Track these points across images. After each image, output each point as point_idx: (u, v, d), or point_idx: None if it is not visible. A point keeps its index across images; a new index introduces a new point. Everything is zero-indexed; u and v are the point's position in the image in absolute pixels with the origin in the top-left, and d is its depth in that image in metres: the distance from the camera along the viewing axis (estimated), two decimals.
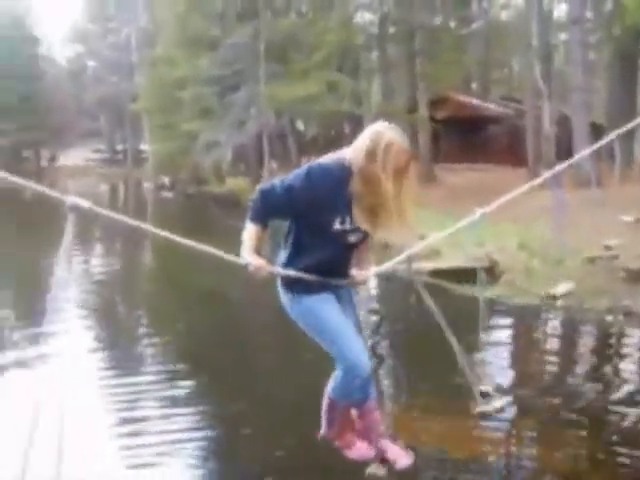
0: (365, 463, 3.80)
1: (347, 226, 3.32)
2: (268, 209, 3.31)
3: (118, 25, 50.24)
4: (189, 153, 28.46)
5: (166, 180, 36.27)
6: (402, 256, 3.88)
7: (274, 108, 24.49)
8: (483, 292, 4.91)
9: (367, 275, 3.69)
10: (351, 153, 3.32)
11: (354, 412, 3.68)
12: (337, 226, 3.30)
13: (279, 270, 3.39)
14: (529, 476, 4.35)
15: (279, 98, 23.03)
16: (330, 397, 3.56)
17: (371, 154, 3.23)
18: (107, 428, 5.23)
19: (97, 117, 54.53)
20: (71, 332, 8.01)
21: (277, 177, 3.43)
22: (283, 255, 3.48)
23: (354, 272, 3.59)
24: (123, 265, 13.88)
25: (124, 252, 15.18)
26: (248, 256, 3.25)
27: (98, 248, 15.53)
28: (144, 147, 47.17)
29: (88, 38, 52.56)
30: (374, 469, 3.93)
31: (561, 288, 8.83)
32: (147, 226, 3.20)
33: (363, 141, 3.30)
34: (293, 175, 3.31)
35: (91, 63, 54.93)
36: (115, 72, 49.24)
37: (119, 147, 55.42)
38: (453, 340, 4.07)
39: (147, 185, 37.72)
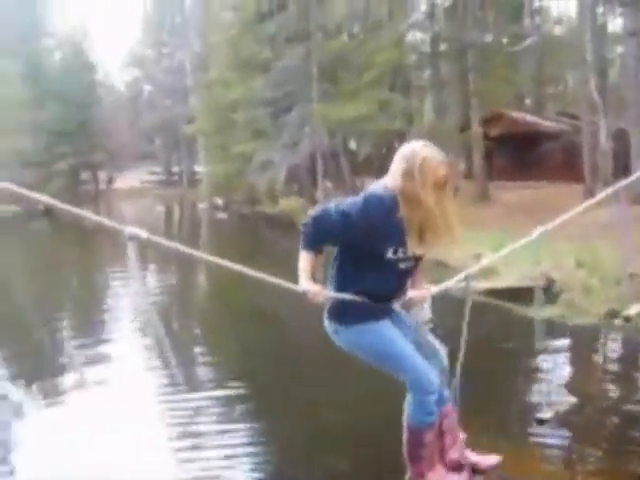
0: None
1: (400, 255, 3.33)
2: (322, 234, 3.33)
3: (172, 50, 51.22)
4: (243, 174, 28.79)
5: (220, 201, 36.66)
6: (460, 275, 3.87)
7: (327, 128, 24.62)
8: (539, 312, 4.84)
9: (425, 295, 3.67)
10: (390, 179, 3.33)
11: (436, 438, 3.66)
12: (390, 255, 3.31)
13: (336, 295, 3.41)
14: None
15: (331, 118, 23.16)
16: (412, 427, 3.55)
17: (408, 174, 3.25)
18: (164, 442, 5.35)
19: (153, 140, 55.53)
20: (127, 349, 8.24)
21: (328, 201, 3.44)
22: (332, 284, 3.48)
23: (411, 293, 3.58)
24: (179, 284, 14.08)
25: (180, 271, 15.34)
26: (305, 283, 3.28)
27: (154, 267, 15.76)
28: (199, 169, 47.81)
29: (144, 63, 53.72)
30: None
31: (635, 308, 8.61)
32: (203, 255, 3.23)
33: (398, 163, 3.32)
34: (348, 203, 3.32)
35: (147, 87, 56.05)
36: (170, 96, 50.20)
37: (174, 169, 56.24)
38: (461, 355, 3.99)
39: (202, 206, 38.18)
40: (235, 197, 34.41)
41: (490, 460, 3.78)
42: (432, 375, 3.45)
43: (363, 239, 3.29)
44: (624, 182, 5.02)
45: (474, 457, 3.77)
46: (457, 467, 3.66)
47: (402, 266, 3.38)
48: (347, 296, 3.39)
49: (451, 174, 3.35)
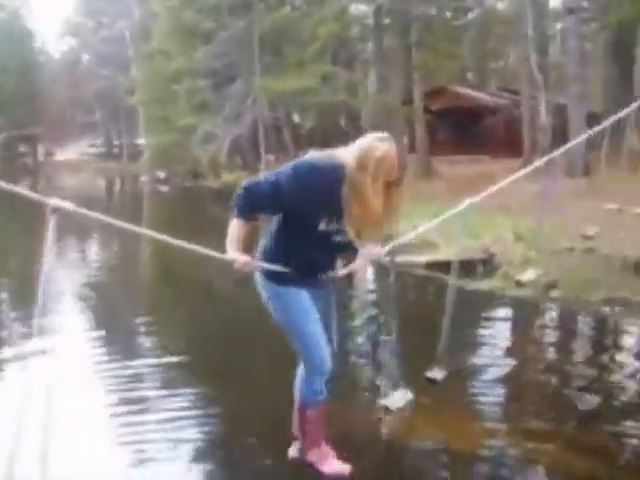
0: None
1: (333, 227, 3.28)
2: (254, 204, 3.28)
3: (112, 19, 50.00)
4: (185, 146, 28.42)
5: (161, 174, 36.21)
6: (390, 245, 3.83)
7: (269, 100, 24.42)
8: (454, 281, 4.91)
9: (364, 263, 3.63)
10: (344, 156, 3.25)
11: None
12: (322, 227, 3.26)
13: (264, 265, 3.41)
14: (526, 467, 4.31)
15: (274, 90, 22.96)
16: (300, 400, 3.60)
17: (362, 164, 3.18)
18: (107, 408, 5.36)
19: (93, 111, 54.35)
20: (67, 321, 8.17)
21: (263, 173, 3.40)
22: (265, 245, 3.48)
23: (365, 252, 3.53)
24: (117, 255, 13.92)
25: (123, 243, 15.15)
26: (233, 253, 3.25)
27: (94, 239, 15.54)
28: (140, 141, 47.06)
29: (81, 32, 52.30)
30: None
31: (528, 274, 8.89)
32: (131, 226, 3.17)
33: (356, 148, 3.24)
34: (278, 171, 3.27)
35: (86, 56, 54.71)
36: (110, 65, 49.05)
37: (115, 141, 55.25)
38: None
39: (143, 179, 37.66)
40: (177, 170, 34.01)
41: (335, 468, 3.70)
42: (327, 358, 3.47)
43: (294, 206, 3.23)
44: (552, 154, 5.08)
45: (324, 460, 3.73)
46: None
47: (337, 239, 3.33)
48: (277, 267, 3.38)
49: (402, 174, 3.32)
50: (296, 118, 33.00)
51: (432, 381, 4.92)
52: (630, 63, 22.90)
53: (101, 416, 5.17)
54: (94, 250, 14.78)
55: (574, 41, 18.84)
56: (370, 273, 9.73)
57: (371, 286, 9.53)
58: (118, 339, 7.33)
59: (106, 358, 6.56)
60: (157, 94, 31.72)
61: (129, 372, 6.06)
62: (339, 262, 3.56)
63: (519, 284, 8.78)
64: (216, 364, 6.43)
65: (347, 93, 25.23)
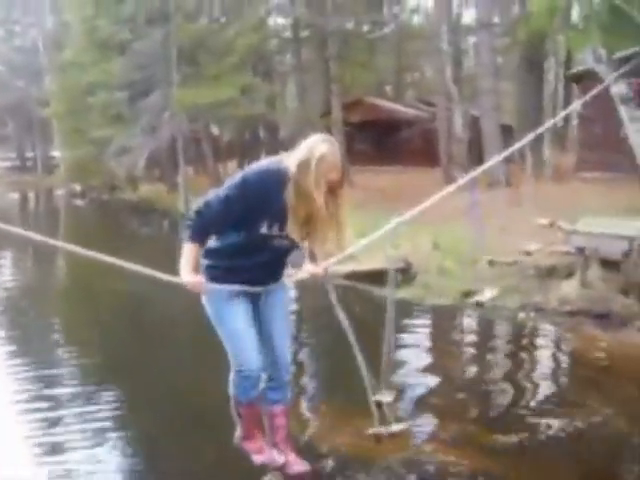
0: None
1: (275, 231, 3.36)
2: (207, 227, 3.35)
3: (23, 27, 48.67)
4: (101, 159, 27.82)
5: (77, 188, 35.37)
6: (331, 260, 3.83)
7: (187, 113, 24.18)
8: (393, 293, 4.91)
9: (321, 271, 3.64)
10: (289, 160, 3.34)
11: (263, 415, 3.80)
12: (264, 230, 3.34)
13: (215, 286, 3.45)
14: (445, 476, 4.37)
15: (192, 102, 22.74)
16: (231, 395, 3.66)
17: (305, 163, 3.26)
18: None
19: (5, 123, 52.66)
20: None
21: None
22: (211, 244, 3.49)
23: (311, 268, 3.62)
24: (32, 270, 13.60)
25: (37, 259, 14.80)
26: (187, 275, 3.32)
27: (10, 255, 15.14)
28: (55, 154, 45.84)
29: None
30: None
31: (487, 294, 8.93)
32: (58, 242, 3.12)
33: (299, 150, 3.34)
34: (227, 185, 3.34)
35: None
36: (22, 76, 47.66)
37: (29, 154, 53.65)
38: (356, 349, 4.11)
39: (59, 193, 36.78)
40: (94, 183, 33.25)
41: (297, 467, 3.87)
42: (253, 361, 3.48)
43: (242, 215, 3.32)
44: (479, 170, 5.20)
45: (288, 460, 3.85)
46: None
47: (276, 243, 3.41)
48: (226, 287, 3.43)
49: (344, 180, 3.41)
50: (215, 130, 32.79)
51: (380, 405, 4.73)
52: (541, 77, 23.68)
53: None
54: (6, 263, 14.40)
55: (487, 55, 19.38)
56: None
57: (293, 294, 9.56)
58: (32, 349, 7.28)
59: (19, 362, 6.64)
60: (72, 106, 30.91)
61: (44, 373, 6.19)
62: (284, 267, 3.60)
63: (480, 305, 8.71)
64: (132, 367, 6.50)
65: (266, 105, 25.24)
